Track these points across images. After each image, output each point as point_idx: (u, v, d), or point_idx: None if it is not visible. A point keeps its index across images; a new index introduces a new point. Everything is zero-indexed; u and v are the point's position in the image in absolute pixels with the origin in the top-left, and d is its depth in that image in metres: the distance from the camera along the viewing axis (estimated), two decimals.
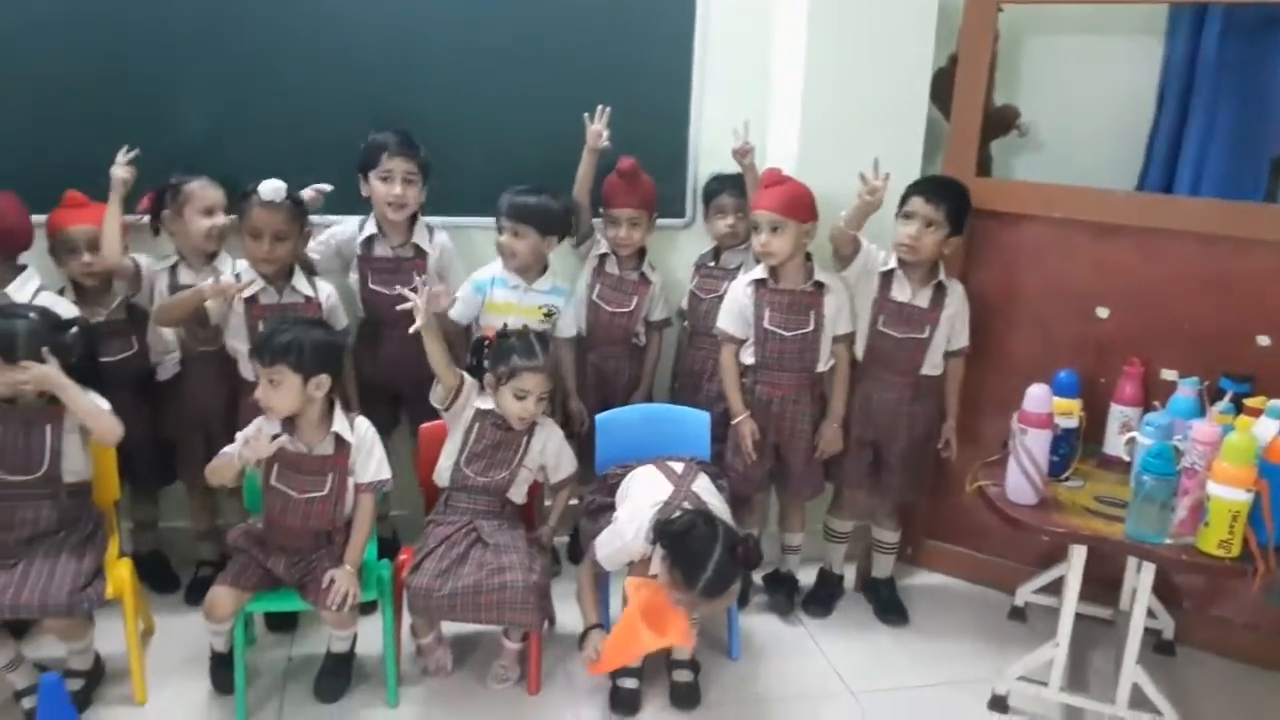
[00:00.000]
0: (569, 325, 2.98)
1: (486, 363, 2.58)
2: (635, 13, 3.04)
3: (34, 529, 2.37)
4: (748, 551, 2.34)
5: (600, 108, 2.90)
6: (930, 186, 2.74)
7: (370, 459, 2.46)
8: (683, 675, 2.61)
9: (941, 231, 2.71)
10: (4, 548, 2.35)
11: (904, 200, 2.73)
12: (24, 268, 2.66)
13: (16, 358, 2.26)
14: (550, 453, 2.68)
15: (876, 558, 3.07)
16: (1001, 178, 3.22)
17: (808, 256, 2.80)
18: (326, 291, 2.80)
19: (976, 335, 2.89)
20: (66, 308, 2.59)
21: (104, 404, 2.40)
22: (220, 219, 2.75)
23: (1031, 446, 2.41)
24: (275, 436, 2.33)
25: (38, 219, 2.70)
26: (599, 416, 2.82)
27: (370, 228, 2.88)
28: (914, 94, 2.93)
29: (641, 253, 3.05)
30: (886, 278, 2.81)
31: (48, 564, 2.32)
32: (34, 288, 2.62)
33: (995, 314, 2.94)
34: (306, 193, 2.76)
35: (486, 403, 2.60)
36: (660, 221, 3.07)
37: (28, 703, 2.38)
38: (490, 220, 2.88)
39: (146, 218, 2.77)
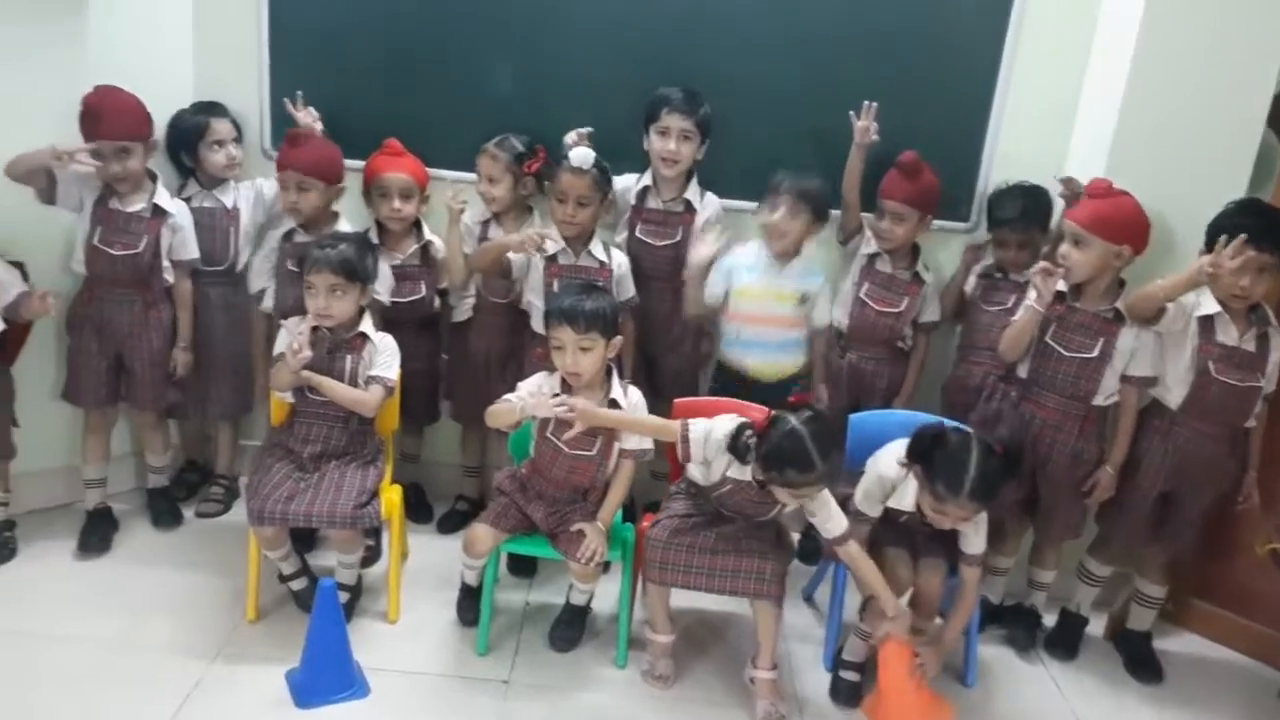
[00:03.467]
0: (825, 312, 2.92)
1: (750, 452, 2.31)
2: (944, 7, 2.95)
3: (324, 446, 2.59)
4: (1007, 448, 2.30)
5: (866, 104, 2.84)
6: (1258, 231, 2.43)
7: None
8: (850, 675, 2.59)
9: (1272, 274, 2.48)
10: (298, 459, 2.58)
11: (1221, 238, 2.46)
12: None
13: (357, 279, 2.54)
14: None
15: (1135, 609, 2.86)
16: None
17: (1121, 283, 2.61)
18: (619, 260, 2.89)
19: None
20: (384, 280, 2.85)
21: (390, 370, 2.63)
22: (571, 208, 2.81)
23: None
24: (555, 395, 2.42)
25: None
26: (853, 416, 2.75)
27: (647, 179, 2.95)
28: (1249, 115, 2.69)
29: (915, 252, 2.97)
30: (1207, 322, 2.56)
31: (335, 480, 2.53)
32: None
33: None
34: (569, 137, 2.85)
35: (743, 471, 2.38)
36: (942, 223, 2.99)
37: (295, 585, 2.67)
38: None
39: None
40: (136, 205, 2.78)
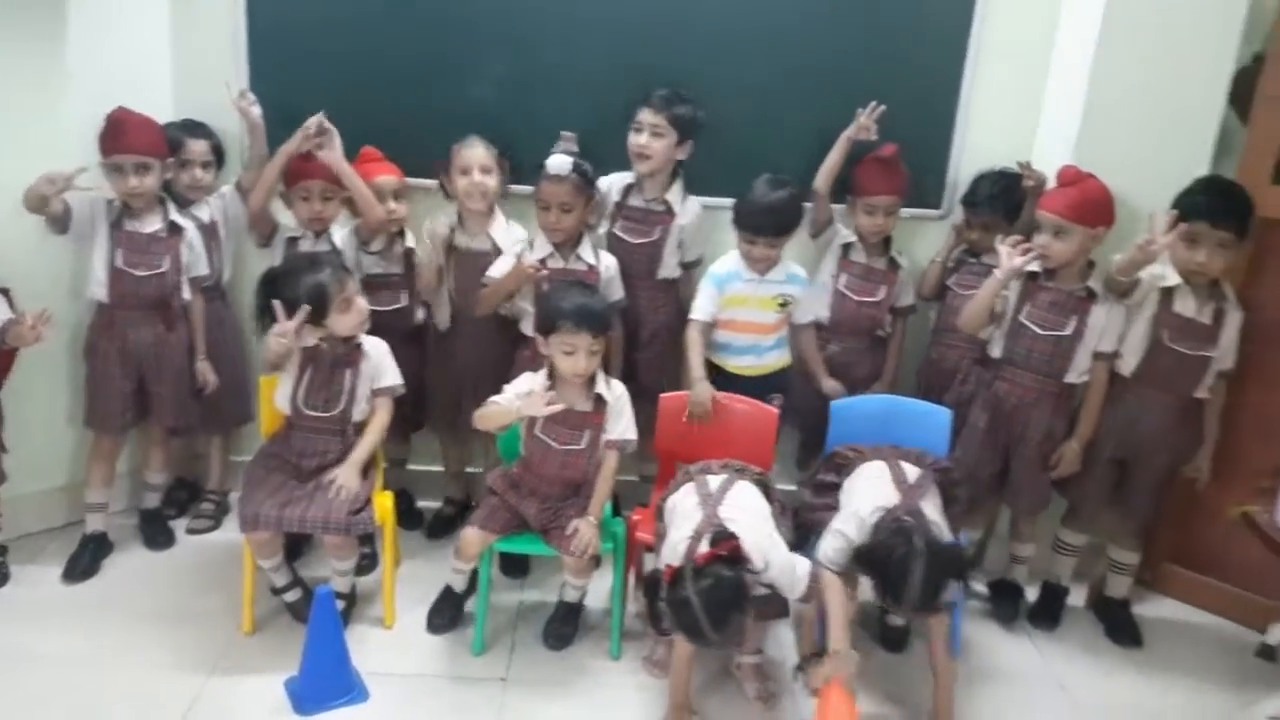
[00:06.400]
0: (807, 311, 2.96)
1: (662, 608, 2.15)
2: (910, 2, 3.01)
3: (323, 460, 2.61)
4: (952, 558, 2.25)
5: (873, 104, 2.89)
6: (1215, 209, 2.53)
7: (620, 418, 2.58)
8: (896, 619, 2.73)
9: (1230, 249, 2.56)
10: (299, 471, 2.60)
11: (1182, 216, 2.52)
12: None
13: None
14: None
15: (1111, 578, 2.94)
16: None
17: (1090, 263, 2.68)
18: (607, 262, 2.91)
19: (1247, 353, 2.72)
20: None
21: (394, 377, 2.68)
22: (476, 176, 2.86)
23: None
24: (550, 399, 2.45)
25: None
26: (834, 403, 2.80)
27: (631, 177, 2.98)
28: (1211, 93, 2.76)
29: (887, 239, 3.03)
30: (1167, 293, 2.65)
31: (330, 489, 2.54)
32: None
33: (1276, 332, 2.74)
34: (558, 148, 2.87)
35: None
36: (914, 211, 3.05)
37: (288, 597, 2.69)
38: None
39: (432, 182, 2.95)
40: (153, 225, 2.80)
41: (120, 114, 2.70)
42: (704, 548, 2.17)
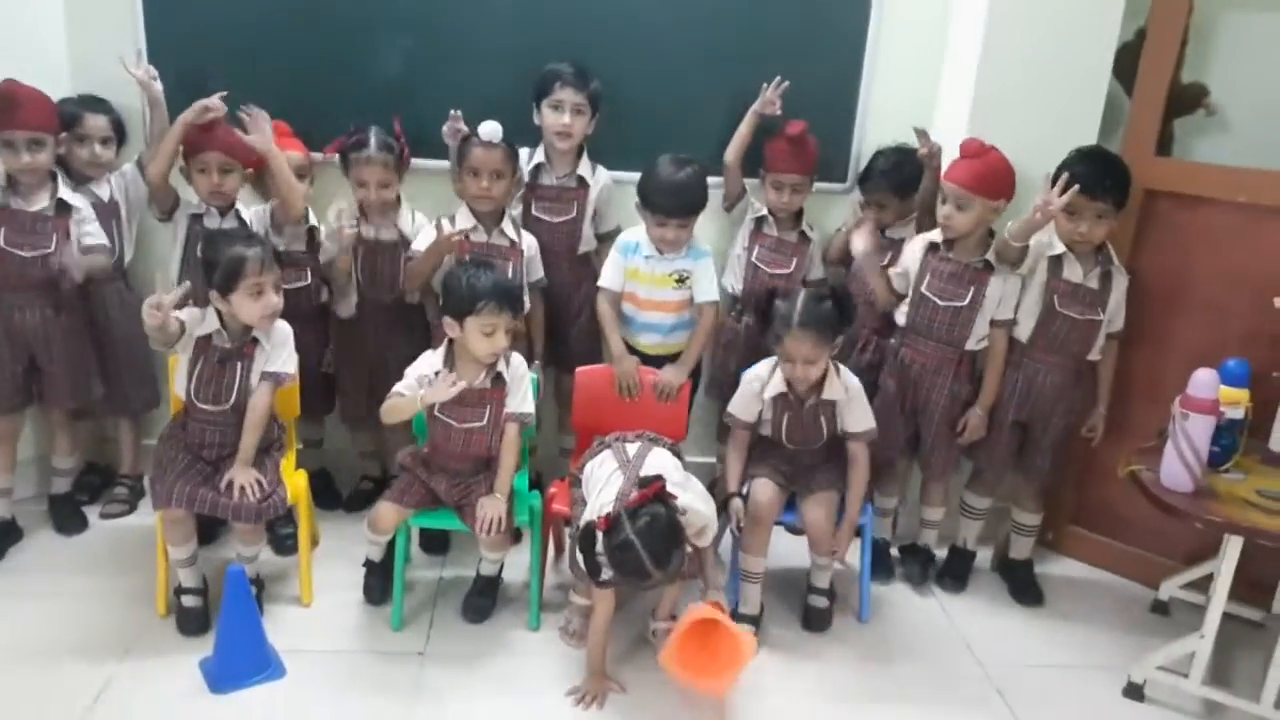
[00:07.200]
0: (709, 289, 2.90)
1: (601, 558, 2.20)
2: None
3: (221, 450, 2.57)
4: (834, 289, 2.61)
5: (778, 79, 2.93)
6: (1092, 181, 2.60)
7: (517, 392, 2.58)
8: (818, 601, 2.75)
9: (1110, 219, 2.67)
10: (199, 461, 2.55)
11: (1063, 185, 2.58)
12: None
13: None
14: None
15: (1015, 539, 3.04)
16: (1180, 158, 3.08)
17: (990, 233, 2.76)
18: (529, 242, 2.91)
19: (1135, 318, 2.84)
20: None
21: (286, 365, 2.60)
22: (373, 193, 2.84)
23: (1192, 433, 2.35)
24: (452, 381, 2.45)
25: None
26: (745, 373, 2.83)
27: (538, 156, 2.99)
28: (1096, 67, 2.86)
29: (799, 212, 3.07)
30: (1056, 260, 2.76)
31: (233, 490, 2.47)
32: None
33: (1160, 298, 2.86)
34: (446, 127, 2.88)
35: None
36: (821, 185, 3.09)
37: (186, 601, 2.57)
38: None
39: (335, 157, 2.92)
40: (40, 204, 2.72)
41: (10, 87, 2.63)
42: (633, 495, 2.24)
